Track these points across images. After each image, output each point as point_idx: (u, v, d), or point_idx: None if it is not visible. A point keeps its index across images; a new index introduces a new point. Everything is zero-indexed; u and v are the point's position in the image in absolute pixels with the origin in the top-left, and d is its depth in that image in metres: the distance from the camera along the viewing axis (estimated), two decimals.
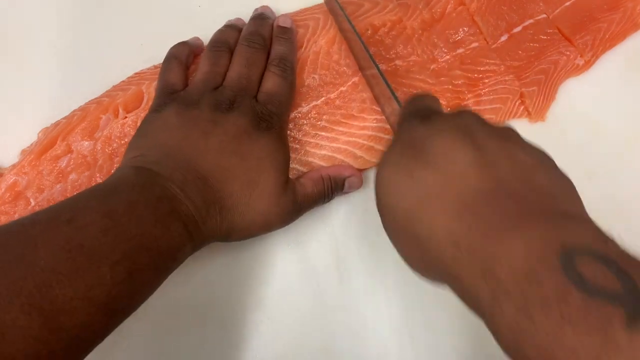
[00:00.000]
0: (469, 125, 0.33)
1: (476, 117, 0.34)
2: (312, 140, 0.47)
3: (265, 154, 0.40)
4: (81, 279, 0.30)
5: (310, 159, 0.47)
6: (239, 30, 0.49)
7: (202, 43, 0.50)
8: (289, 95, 0.45)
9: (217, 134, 0.40)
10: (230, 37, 0.47)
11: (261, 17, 0.49)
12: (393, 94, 0.43)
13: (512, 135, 0.34)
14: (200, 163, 0.38)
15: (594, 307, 0.23)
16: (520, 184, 0.30)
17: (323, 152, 0.47)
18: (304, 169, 0.47)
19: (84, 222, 0.31)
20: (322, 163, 0.47)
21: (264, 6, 0.51)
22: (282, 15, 0.50)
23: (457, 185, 0.30)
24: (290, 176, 0.44)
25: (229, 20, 0.51)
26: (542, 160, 0.33)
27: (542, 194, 0.30)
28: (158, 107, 0.42)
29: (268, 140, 0.41)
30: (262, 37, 0.47)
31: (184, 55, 0.47)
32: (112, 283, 0.31)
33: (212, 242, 0.40)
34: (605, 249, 0.25)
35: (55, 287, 0.29)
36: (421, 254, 0.31)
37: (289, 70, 0.46)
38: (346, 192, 0.47)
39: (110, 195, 0.34)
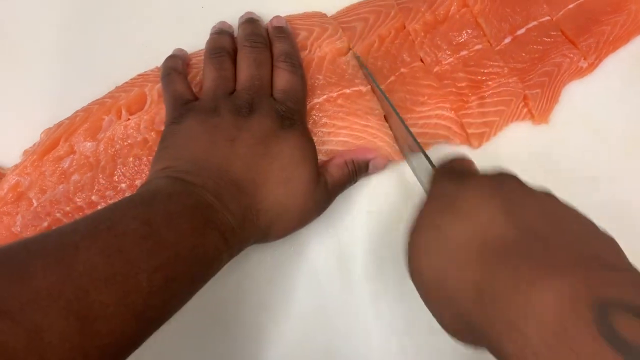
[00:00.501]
0: (503, 182, 0.32)
1: (512, 175, 0.33)
2: (327, 129, 0.47)
3: (294, 151, 0.40)
4: (118, 285, 0.29)
5: (327, 147, 0.47)
6: (230, 34, 0.48)
7: (187, 52, 0.50)
8: (303, 88, 0.45)
9: (244, 139, 0.39)
10: (225, 43, 0.47)
11: (251, 19, 0.49)
12: (424, 153, 0.43)
13: (549, 194, 0.33)
14: (231, 169, 0.38)
15: None
16: (554, 232, 0.28)
17: (339, 138, 0.47)
18: (324, 158, 0.46)
19: (123, 229, 0.31)
20: (339, 148, 0.47)
21: (248, 12, 0.50)
22: (276, 16, 0.50)
23: (484, 233, 0.29)
24: None
25: (214, 27, 0.50)
26: (579, 215, 0.32)
27: (576, 239, 0.28)
28: (176, 119, 0.41)
29: (294, 137, 0.41)
30: (262, 36, 0.47)
31: (180, 66, 0.47)
32: (149, 291, 0.31)
33: (251, 245, 0.40)
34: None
35: (92, 293, 0.28)
36: (451, 312, 0.30)
37: (297, 64, 0.45)
38: (370, 174, 0.47)
39: (148, 204, 0.34)
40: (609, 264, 0.27)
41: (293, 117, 0.42)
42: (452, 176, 0.35)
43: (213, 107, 0.41)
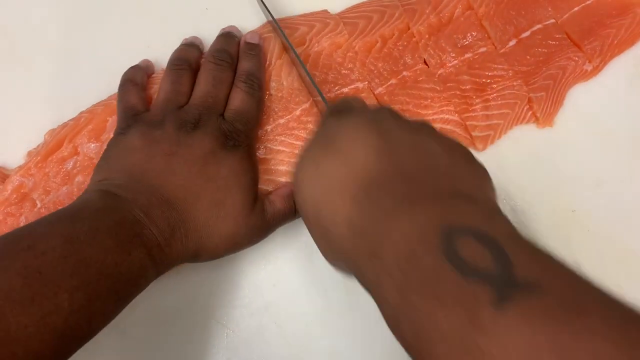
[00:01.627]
0: (380, 118, 0.33)
1: (390, 112, 0.34)
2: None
3: (231, 174, 0.40)
4: (37, 306, 0.29)
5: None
6: (198, 48, 0.48)
7: (153, 65, 0.50)
8: (257, 112, 0.44)
9: (182, 155, 0.39)
10: (190, 56, 0.47)
11: (228, 34, 0.49)
12: (320, 94, 0.43)
13: (424, 128, 0.33)
14: (166, 185, 0.38)
15: (466, 288, 0.23)
16: (419, 168, 0.30)
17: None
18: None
19: (43, 248, 0.31)
20: None
21: (231, 26, 0.50)
22: (251, 31, 0.49)
23: (357, 171, 0.30)
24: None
25: (186, 39, 0.50)
26: (452, 148, 0.32)
27: (441, 176, 0.30)
28: (122, 130, 0.42)
29: (235, 159, 0.40)
30: (229, 55, 0.46)
31: (138, 77, 0.47)
32: (70, 310, 0.30)
33: (181, 264, 0.40)
34: (489, 229, 0.25)
35: (9, 315, 0.28)
36: (328, 243, 0.32)
37: (257, 86, 0.45)
38: None
39: (73, 220, 0.34)
40: (468, 195, 0.29)
41: (238, 138, 0.41)
42: (337, 114, 0.35)
43: (159, 120, 0.41)
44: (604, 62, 0.52)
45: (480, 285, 0.22)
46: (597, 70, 0.52)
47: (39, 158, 0.46)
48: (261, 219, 0.41)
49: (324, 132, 0.34)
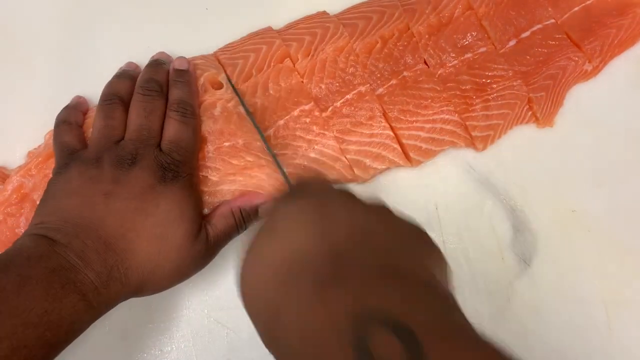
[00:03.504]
0: (328, 200, 0.32)
1: (340, 193, 0.33)
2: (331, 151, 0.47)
3: (172, 206, 0.39)
4: None
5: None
6: (131, 78, 0.47)
7: (87, 101, 0.49)
8: (194, 139, 0.43)
9: (119, 194, 0.38)
10: (120, 89, 0.46)
11: (156, 63, 0.48)
12: (282, 170, 0.43)
13: (375, 209, 0.32)
14: (103, 226, 0.37)
15: None
16: (353, 246, 0.28)
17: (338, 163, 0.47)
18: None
19: None
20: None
21: (159, 52, 0.50)
22: (178, 58, 0.48)
23: (291, 254, 0.29)
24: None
25: (121, 68, 0.49)
26: (401, 231, 0.31)
27: (376, 258, 0.28)
28: (59, 169, 0.41)
29: (175, 191, 0.40)
30: (158, 84, 0.45)
31: (72, 117, 0.46)
32: None
33: (125, 300, 0.39)
34: (407, 314, 0.23)
35: None
36: (262, 329, 0.30)
37: (190, 113, 0.44)
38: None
39: (3, 270, 0.34)
40: (401, 278, 0.27)
41: (177, 169, 0.40)
42: (287, 197, 0.34)
43: (95, 158, 0.40)
44: (604, 62, 0.52)
45: None
46: (597, 70, 0.52)
47: (39, 159, 0.46)
48: (205, 246, 0.41)
49: (271, 218, 0.32)
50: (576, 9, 0.52)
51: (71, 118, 0.46)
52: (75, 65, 0.52)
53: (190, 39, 0.52)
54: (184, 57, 0.49)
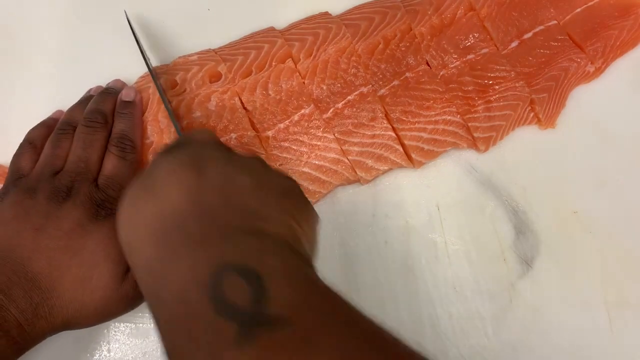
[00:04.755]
0: (205, 153, 0.32)
1: (217, 146, 0.33)
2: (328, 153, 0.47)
3: (99, 246, 0.38)
4: None
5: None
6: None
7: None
8: (131, 176, 0.42)
9: (49, 230, 0.38)
10: (77, 117, 0.45)
11: (106, 92, 0.47)
12: (176, 127, 0.42)
13: (251, 163, 0.33)
14: (31, 263, 0.37)
15: (216, 327, 0.23)
16: (225, 205, 0.29)
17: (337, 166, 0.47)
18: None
19: None
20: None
21: (115, 80, 0.49)
22: (127, 87, 0.48)
23: (164, 211, 0.29)
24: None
25: (88, 91, 0.49)
26: (271, 183, 0.32)
27: (244, 213, 0.29)
28: (2, 194, 0.41)
29: (105, 231, 0.39)
30: (103, 115, 0.45)
31: (40, 139, 0.45)
32: None
33: (54, 334, 0.38)
34: (262, 265, 0.25)
35: None
36: (142, 284, 0.30)
37: (129, 148, 0.43)
38: None
39: None
40: (264, 232, 0.28)
41: (111, 206, 0.40)
42: (168, 149, 0.33)
43: (33, 188, 0.40)
44: (606, 64, 0.52)
45: (228, 324, 0.23)
46: (599, 71, 0.52)
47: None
48: (133, 288, 0.39)
49: (149, 169, 0.32)
50: (578, 10, 0.52)
51: (38, 140, 0.45)
52: (76, 65, 0.52)
53: (192, 39, 0.51)
54: (133, 87, 0.48)
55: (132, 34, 0.48)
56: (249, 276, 0.24)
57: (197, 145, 0.33)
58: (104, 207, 0.40)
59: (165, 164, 0.31)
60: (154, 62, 0.51)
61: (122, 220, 0.31)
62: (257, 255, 0.26)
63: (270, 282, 0.24)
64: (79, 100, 0.48)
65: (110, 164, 0.42)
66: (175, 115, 0.45)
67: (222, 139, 0.46)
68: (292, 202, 0.32)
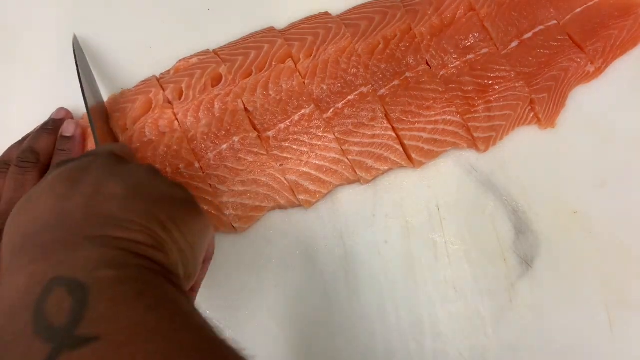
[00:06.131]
0: (92, 164, 0.31)
1: (109, 158, 0.33)
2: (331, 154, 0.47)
3: None
4: None
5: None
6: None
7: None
8: None
9: None
10: (14, 155, 0.45)
11: (44, 128, 0.47)
12: (95, 134, 0.41)
13: (136, 173, 0.32)
14: None
15: (31, 348, 0.22)
16: (83, 215, 0.28)
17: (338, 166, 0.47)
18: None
19: None
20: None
21: (59, 109, 0.48)
22: (67, 122, 0.47)
23: (28, 222, 0.29)
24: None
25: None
26: (139, 189, 0.31)
27: (99, 224, 0.28)
28: None
29: None
30: (35, 154, 0.44)
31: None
32: None
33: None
34: (89, 277, 0.24)
35: None
36: None
37: None
38: None
39: None
40: (111, 239, 0.27)
41: None
42: (63, 163, 0.33)
43: None
44: (606, 64, 0.52)
45: (43, 346, 0.22)
46: (599, 71, 0.52)
47: None
48: None
49: (40, 181, 0.32)
50: (578, 10, 0.52)
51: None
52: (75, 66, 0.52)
53: (193, 39, 0.51)
54: (73, 122, 0.47)
55: (75, 63, 0.46)
56: (75, 291, 0.24)
57: (91, 157, 0.33)
58: None
59: (50, 177, 0.31)
60: (151, 65, 0.51)
61: (7, 226, 0.30)
62: (93, 266, 0.25)
63: (94, 296, 0.24)
64: (21, 138, 0.47)
65: None
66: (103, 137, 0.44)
67: (225, 144, 0.46)
68: (168, 210, 0.31)
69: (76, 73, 0.45)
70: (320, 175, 0.47)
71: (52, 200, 0.29)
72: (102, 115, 0.46)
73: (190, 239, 0.32)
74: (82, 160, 0.32)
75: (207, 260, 0.39)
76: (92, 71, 0.50)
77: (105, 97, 0.49)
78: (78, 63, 0.46)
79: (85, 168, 0.31)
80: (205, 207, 0.45)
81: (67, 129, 0.46)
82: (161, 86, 0.48)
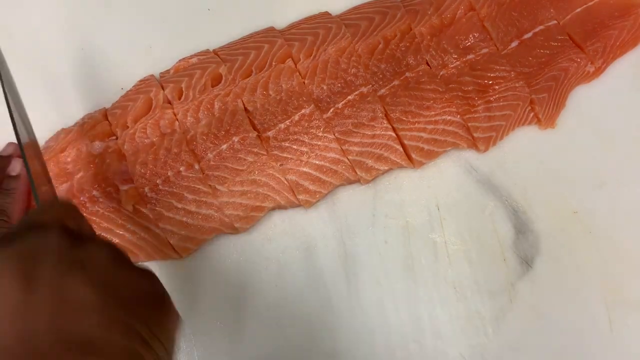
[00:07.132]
0: (40, 248, 0.27)
1: (59, 235, 0.28)
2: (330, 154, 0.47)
3: None
4: None
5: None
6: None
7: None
8: None
9: None
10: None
11: None
12: (34, 190, 0.37)
13: (99, 262, 0.29)
14: None
15: None
16: (54, 338, 0.25)
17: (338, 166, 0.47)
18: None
19: None
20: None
21: (9, 144, 0.46)
22: (14, 160, 0.44)
23: None
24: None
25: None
26: (109, 288, 0.28)
27: (75, 349, 0.25)
28: None
29: None
30: None
31: None
32: None
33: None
34: None
35: None
36: None
37: (1, 223, 0.40)
38: None
39: None
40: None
41: None
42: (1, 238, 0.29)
43: None
44: (606, 64, 0.52)
45: None
46: (599, 71, 0.52)
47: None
48: None
49: None
50: (578, 10, 0.52)
51: None
52: (76, 65, 0.52)
53: (193, 39, 0.51)
54: (19, 161, 0.44)
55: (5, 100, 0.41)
56: None
57: (39, 236, 0.28)
58: None
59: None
60: (151, 65, 0.51)
61: None
62: None
63: None
64: None
65: None
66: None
67: (225, 144, 0.46)
68: (145, 316, 0.28)
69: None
70: (320, 175, 0.47)
71: (8, 310, 0.25)
72: (36, 152, 0.40)
73: (167, 343, 0.30)
74: (28, 241, 0.28)
75: None
76: (91, 71, 0.49)
77: (104, 103, 0.49)
78: (7, 93, 0.41)
79: (34, 257, 0.27)
80: (206, 208, 0.45)
81: (13, 168, 0.44)
82: (161, 85, 0.48)
